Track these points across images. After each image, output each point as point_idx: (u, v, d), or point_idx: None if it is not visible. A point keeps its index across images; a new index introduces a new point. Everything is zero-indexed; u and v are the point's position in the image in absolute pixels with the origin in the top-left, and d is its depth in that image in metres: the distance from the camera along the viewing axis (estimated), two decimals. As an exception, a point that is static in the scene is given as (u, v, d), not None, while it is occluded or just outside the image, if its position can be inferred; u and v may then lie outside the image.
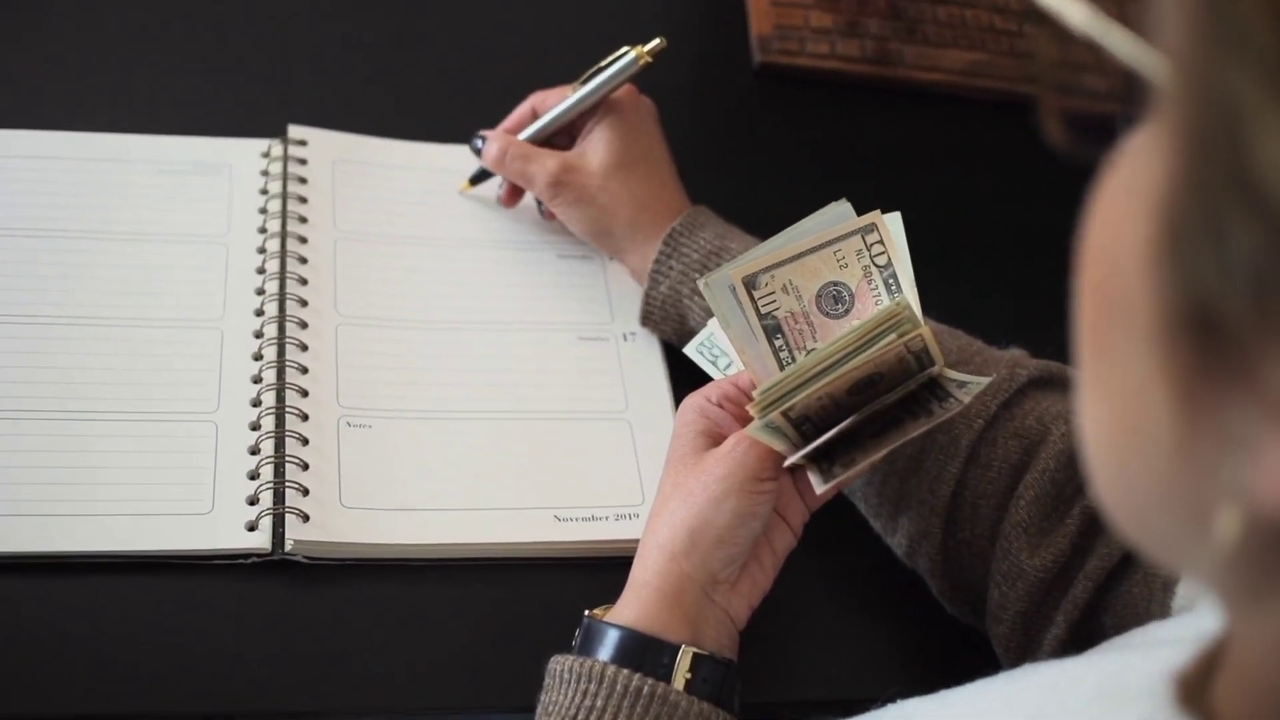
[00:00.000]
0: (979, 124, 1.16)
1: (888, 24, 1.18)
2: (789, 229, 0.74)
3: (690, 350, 0.80)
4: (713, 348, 0.79)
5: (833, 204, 0.75)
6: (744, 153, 1.10)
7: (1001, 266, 1.05)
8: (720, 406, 0.75)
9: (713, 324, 0.78)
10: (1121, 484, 0.39)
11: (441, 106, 1.04)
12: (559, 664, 0.68)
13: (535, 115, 0.94)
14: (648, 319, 0.89)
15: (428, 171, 0.97)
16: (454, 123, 1.01)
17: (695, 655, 0.67)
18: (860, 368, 0.68)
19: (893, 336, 0.68)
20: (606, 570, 0.79)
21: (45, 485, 0.75)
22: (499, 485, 0.81)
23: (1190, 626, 0.48)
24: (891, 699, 0.61)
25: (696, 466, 0.72)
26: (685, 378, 0.88)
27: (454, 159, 0.98)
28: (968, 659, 0.81)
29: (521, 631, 0.77)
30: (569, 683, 0.67)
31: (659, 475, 0.81)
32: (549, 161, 0.90)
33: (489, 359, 0.87)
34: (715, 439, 0.74)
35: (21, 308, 0.83)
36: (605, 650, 0.67)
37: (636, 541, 0.79)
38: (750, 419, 0.71)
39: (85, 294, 0.84)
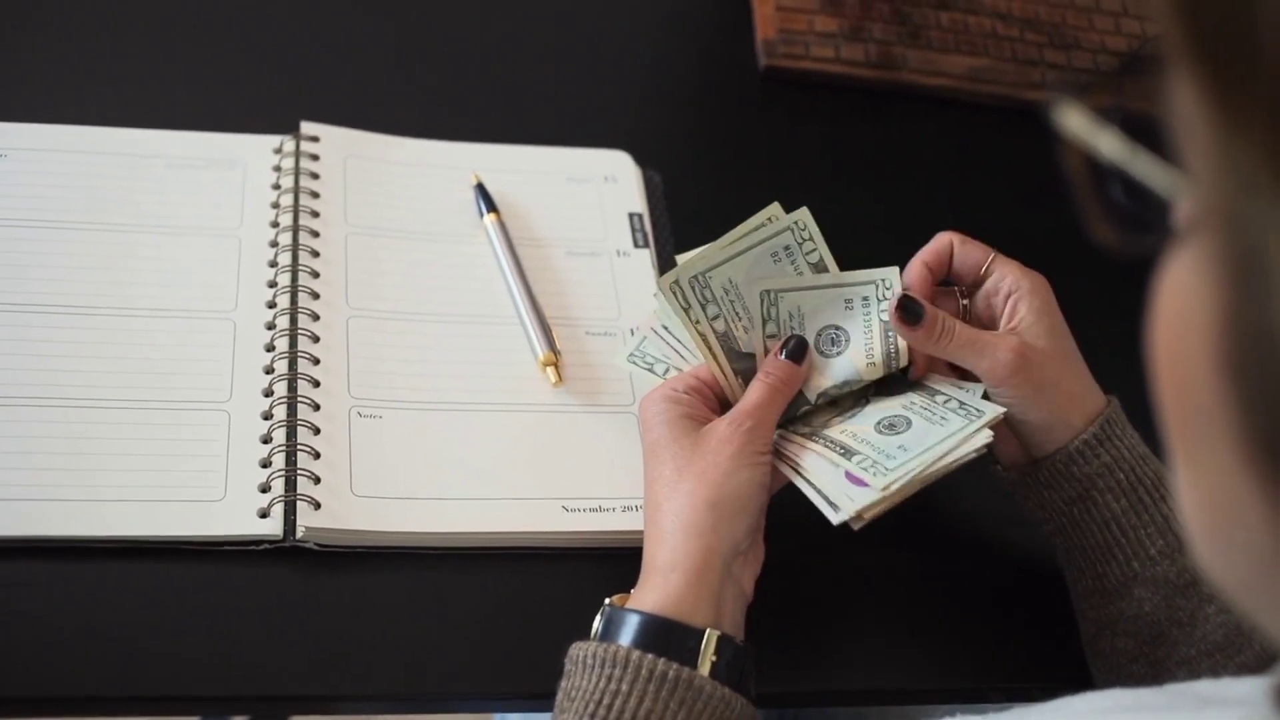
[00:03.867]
0: (982, 128, 1.17)
1: (892, 29, 1.19)
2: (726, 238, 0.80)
3: (622, 359, 0.84)
4: (645, 355, 0.83)
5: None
6: (748, 155, 1.11)
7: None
8: (688, 395, 0.77)
9: (643, 333, 0.84)
10: (1222, 560, 0.40)
11: (453, 104, 1.05)
12: (580, 650, 0.69)
13: (940, 263, 0.82)
14: (1030, 480, 0.80)
15: (438, 168, 0.98)
16: (465, 120, 1.02)
17: (720, 638, 0.68)
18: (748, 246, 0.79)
19: (769, 219, 0.79)
20: (613, 560, 0.80)
21: (60, 471, 0.76)
22: (508, 476, 0.82)
23: (1259, 687, 0.48)
24: (950, 712, 0.62)
25: (697, 446, 0.74)
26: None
27: (464, 156, 0.99)
28: (990, 653, 0.83)
29: (531, 620, 0.78)
30: (592, 668, 0.67)
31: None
32: (1007, 341, 0.77)
33: (497, 351, 0.88)
34: (698, 421, 0.76)
35: (36, 298, 0.83)
36: (627, 636, 0.68)
37: (642, 533, 0.80)
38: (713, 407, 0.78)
39: (99, 285, 0.85)
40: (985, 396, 0.78)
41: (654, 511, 0.74)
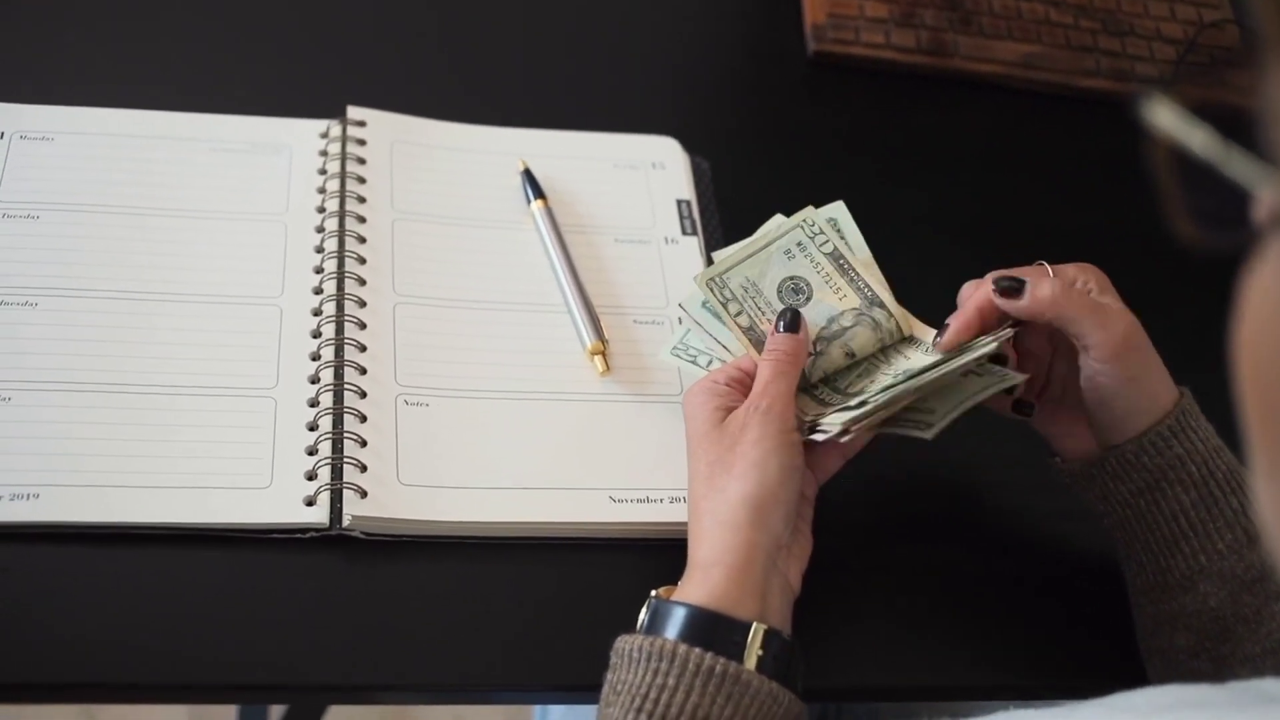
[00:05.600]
0: (1033, 116, 1.16)
1: (943, 15, 1.17)
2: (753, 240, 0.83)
3: (666, 353, 0.84)
4: (688, 349, 0.84)
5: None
6: (796, 142, 1.10)
7: (1056, 260, 1.04)
8: (728, 387, 0.77)
9: (686, 325, 0.84)
10: None
11: (500, 89, 1.05)
12: (627, 643, 0.68)
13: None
14: (1094, 471, 0.78)
15: (485, 154, 0.97)
16: (512, 105, 1.02)
17: (766, 632, 0.67)
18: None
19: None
20: (660, 552, 0.79)
21: (107, 458, 0.76)
22: (554, 465, 0.81)
23: None
24: (1004, 707, 0.61)
25: (723, 438, 0.73)
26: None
27: (511, 141, 0.98)
28: (1040, 650, 0.82)
29: (576, 611, 0.77)
30: (638, 662, 0.67)
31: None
32: (1126, 315, 0.76)
33: (545, 340, 0.87)
34: (727, 409, 0.75)
35: (83, 282, 0.83)
36: (674, 629, 0.67)
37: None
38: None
39: (145, 270, 0.85)
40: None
41: (693, 506, 0.73)
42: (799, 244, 0.82)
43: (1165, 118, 0.39)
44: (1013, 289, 0.76)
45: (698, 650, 0.66)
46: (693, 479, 0.74)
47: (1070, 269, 0.78)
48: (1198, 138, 0.38)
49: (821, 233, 0.82)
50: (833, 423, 0.75)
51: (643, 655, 0.67)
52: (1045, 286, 0.75)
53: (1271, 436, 0.38)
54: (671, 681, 0.65)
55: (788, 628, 0.71)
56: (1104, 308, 0.76)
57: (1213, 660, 0.74)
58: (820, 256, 0.82)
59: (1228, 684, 0.57)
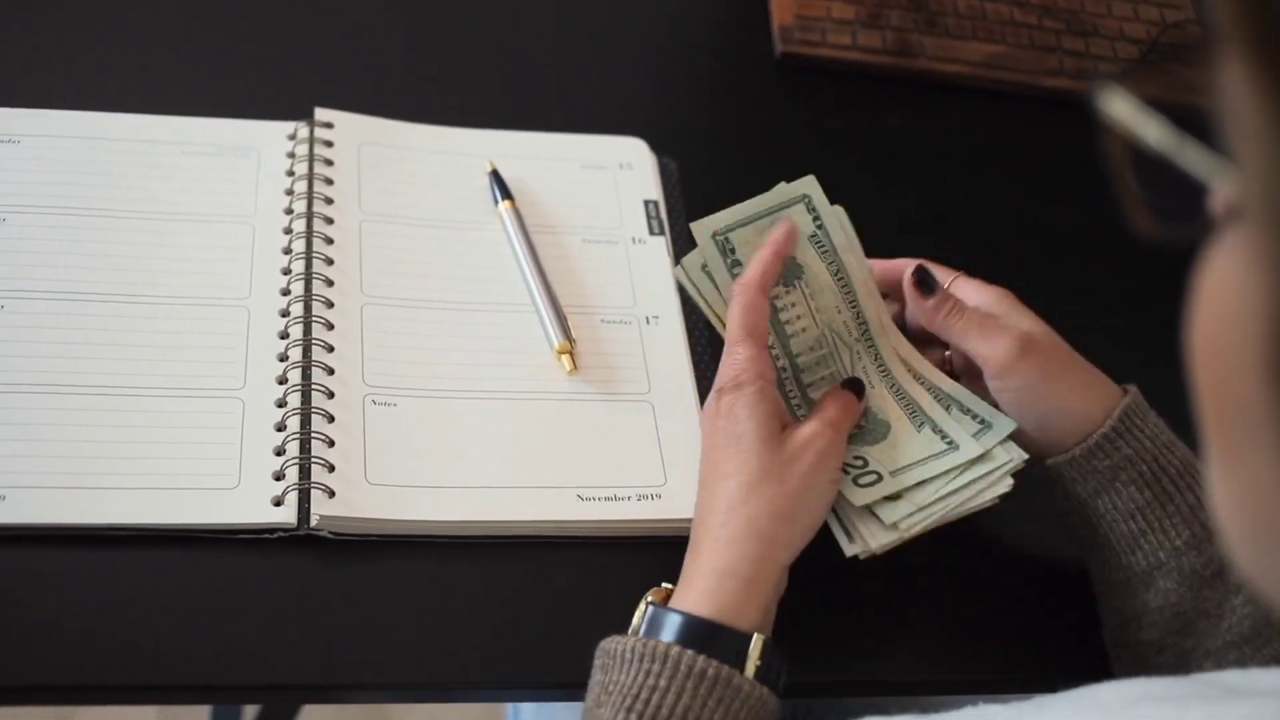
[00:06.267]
0: (998, 115, 1.17)
1: (909, 16, 1.18)
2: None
3: (678, 269, 0.81)
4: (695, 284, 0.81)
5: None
6: (764, 143, 1.10)
7: (1020, 257, 1.05)
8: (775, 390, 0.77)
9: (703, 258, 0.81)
10: (1256, 557, 0.39)
11: (468, 91, 1.05)
12: (618, 645, 0.68)
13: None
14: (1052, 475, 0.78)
15: (453, 155, 0.97)
16: (480, 107, 1.02)
17: (765, 643, 0.68)
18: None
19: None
20: (628, 549, 0.80)
21: (74, 459, 0.76)
22: (522, 464, 0.82)
23: None
24: (972, 702, 0.61)
25: (780, 451, 0.73)
26: (708, 361, 0.88)
27: (479, 143, 0.98)
28: (1009, 645, 0.83)
29: (545, 609, 0.78)
30: (630, 663, 0.67)
31: (681, 457, 0.82)
32: (1011, 330, 0.76)
33: (512, 339, 0.88)
34: (780, 422, 0.75)
35: (50, 285, 0.83)
36: (670, 633, 0.68)
37: (657, 521, 0.81)
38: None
39: (112, 272, 0.85)
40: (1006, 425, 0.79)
41: (728, 512, 0.71)
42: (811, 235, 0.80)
43: (1121, 109, 0.39)
44: (926, 285, 0.79)
45: (690, 652, 0.66)
46: (727, 477, 0.72)
47: (980, 294, 0.80)
48: (1152, 130, 0.38)
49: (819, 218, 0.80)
50: (873, 542, 0.77)
51: (635, 656, 0.67)
52: (936, 304, 0.78)
53: (1224, 431, 0.38)
54: (663, 683, 0.65)
55: (770, 630, 0.71)
56: (989, 324, 0.76)
57: (1177, 655, 0.74)
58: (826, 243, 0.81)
59: (1192, 676, 0.57)
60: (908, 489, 0.77)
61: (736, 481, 0.72)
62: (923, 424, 0.79)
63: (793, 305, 0.80)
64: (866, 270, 0.82)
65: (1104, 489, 0.76)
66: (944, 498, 0.77)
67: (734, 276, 0.78)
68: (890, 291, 0.83)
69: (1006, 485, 0.77)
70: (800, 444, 0.73)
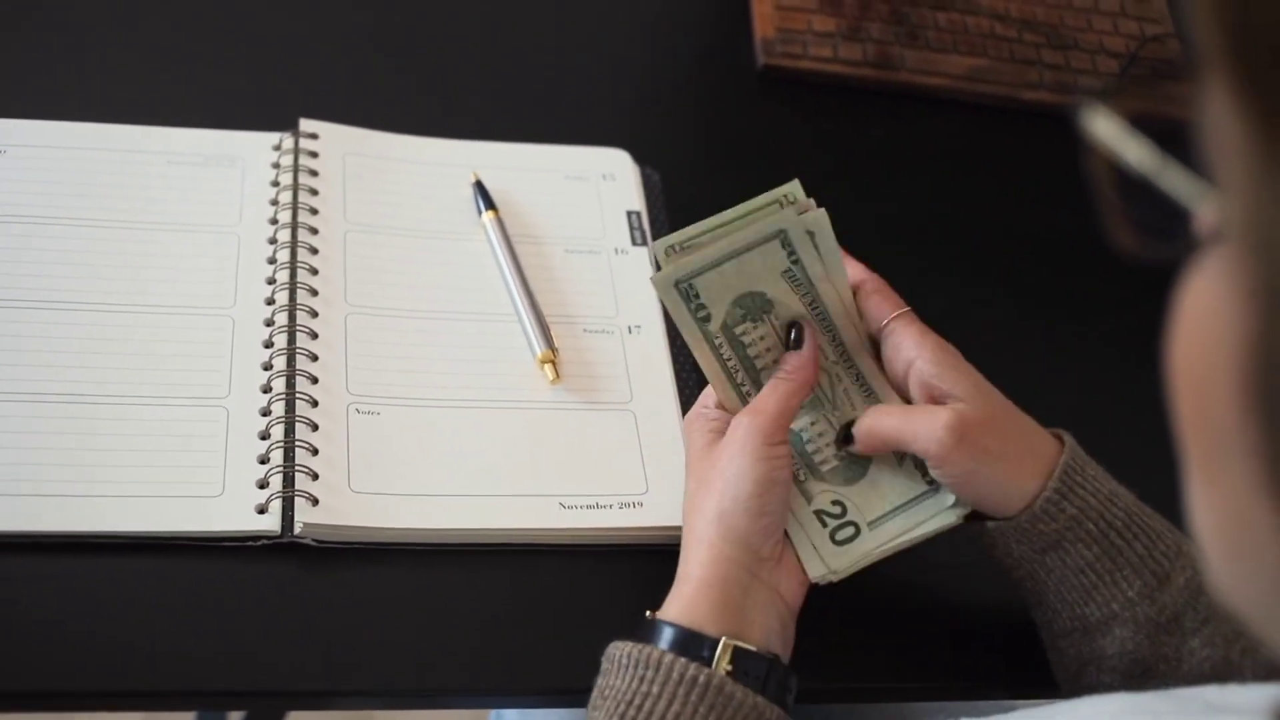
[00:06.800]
0: (979, 128, 1.18)
1: (890, 29, 1.19)
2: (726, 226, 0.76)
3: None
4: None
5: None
6: (746, 154, 1.11)
7: (1002, 268, 1.06)
8: (719, 409, 0.77)
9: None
10: (1235, 580, 0.39)
11: (452, 101, 1.06)
12: (618, 650, 0.69)
13: None
14: (993, 538, 0.75)
15: (437, 166, 0.98)
16: (464, 118, 1.03)
17: (736, 649, 0.68)
18: (748, 228, 0.74)
19: (777, 205, 0.75)
20: (611, 557, 0.81)
21: (60, 467, 0.76)
22: (505, 473, 0.82)
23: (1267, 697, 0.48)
24: (956, 715, 0.61)
25: (709, 457, 0.74)
26: (689, 370, 0.89)
27: (463, 153, 0.99)
28: (989, 654, 0.83)
29: (528, 616, 0.78)
30: (626, 668, 0.67)
31: (663, 465, 0.83)
32: (941, 415, 0.72)
33: (495, 349, 0.88)
34: (723, 435, 0.75)
35: (37, 293, 0.84)
36: (664, 642, 0.68)
37: (639, 529, 0.81)
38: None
39: (99, 280, 0.85)
40: None
41: (683, 525, 0.74)
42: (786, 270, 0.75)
43: (1104, 128, 0.39)
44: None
45: (683, 660, 0.67)
46: (686, 497, 0.75)
47: (913, 336, 0.75)
48: (1134, 150, 0.38)
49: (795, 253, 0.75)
50: (824, 570, 0.76)
51: (630, 662, 0.68)
52: (866, 420, 0.75)
53: (1202, 452, 0.38)
54: (656, 689, 0.66)
55: (779, 640, 0.71)
56: (910, 426, 0.73)
57: None
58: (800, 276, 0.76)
59: (1172, 691, 0.57)
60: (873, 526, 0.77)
61: (688, 499, 0.74)
62: (905, 456, 0.78)
63: (761, 339, 0.76)
64: (849, 295, 0.77)
65: (1050, 548, 0.73)
66: (890, 537, 0.77)
67: (700, 325, 0.75)
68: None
69: (955, 517, 0.76)
70: (720, 444, 0.74)
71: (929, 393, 0.74)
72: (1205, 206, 0.36)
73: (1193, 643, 0.72)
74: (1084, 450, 0.75)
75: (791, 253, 0.75)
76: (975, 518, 0.76)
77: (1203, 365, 0.36)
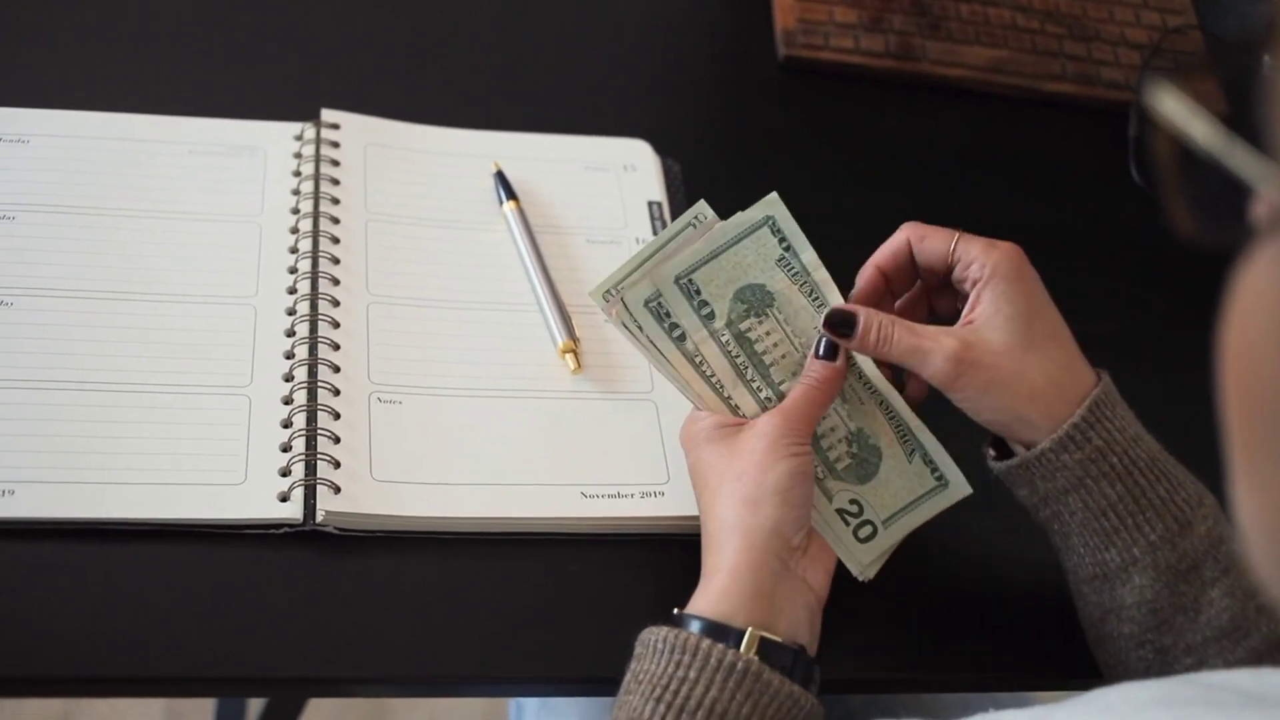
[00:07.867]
0: (1000, 120, 1.17)
1: (911, 20, 1.19)
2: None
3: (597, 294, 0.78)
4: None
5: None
6: (767, 145, 1.11)
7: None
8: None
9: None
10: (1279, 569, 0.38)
11: (473, 92, 1.06)
12: (652, 635, 0.69)
13: (898, 264, 0.80)
14: (1019, 473, 0.76)
15: (458, 156, 0.98)
16: (485, 108, 1.03)
17: (762, 640, 0.68)
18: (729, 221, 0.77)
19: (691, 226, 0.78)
20: (631, 546, 0.81)
21: (82, 454, 0.77)
22: (526, 462, 0.82)
23: None
24: (983, 707, 0.61)
25: (733, 448, 0.74)
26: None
27: (484, 144, 0.99)
28: (1002, 645, 0.83)
29: (548, 605, 0.78)
30: (661, 653, 0.67)
31: (683, 455, 0.82)
32: (946, 340, 0.73)
33: (517, 338, 0.88)
34: (732, 427, 0.76)
35: (61, 282, 0.84)
36: (697, 629, 0.68)
37: (660, 519, 0.81)
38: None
39: (122, 270, 0.86)
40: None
41: (705, 521, 0.74)
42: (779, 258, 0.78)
43: (1171, 107, 0.39)
44: (842, 330, 0.76)
45: (721, 645, 0.67)
46: (700, 494, 0.75)
47: (979, 252, 0.76)
48: (1201, 129, 0.37)
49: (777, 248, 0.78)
50: (860, 568, 0.79)
51: (666, 646, 0.67)
52: (859, 342, 0.75)
53: (1252, 444, 0.37)
54: (693, 674, 0.66)
55: (806, 631, 0.72)
56: (919, 347, 0.74)
57: (1156, 650, 0.74)
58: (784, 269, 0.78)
59: (1203, 679, 0.57)
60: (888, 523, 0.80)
61: (706, 493, 0.74)
62: (914, 450, 0.79)
63: (767, 334, 0.78)
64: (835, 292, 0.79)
65: (1076, 485, 0.74)
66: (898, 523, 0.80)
67: (677, 344, 0.77)
68: (902, 274, 0.80)
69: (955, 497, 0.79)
70: (749, 432, 0.74)
71: (975, 300, 0.75)
72: (1270, 188, 0.35)
73: (1212, 593, 0.73)
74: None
75: (782, 239, 0.78)
76: (1004, 454, 0.77)
77: (1257, 355, 0.36)
